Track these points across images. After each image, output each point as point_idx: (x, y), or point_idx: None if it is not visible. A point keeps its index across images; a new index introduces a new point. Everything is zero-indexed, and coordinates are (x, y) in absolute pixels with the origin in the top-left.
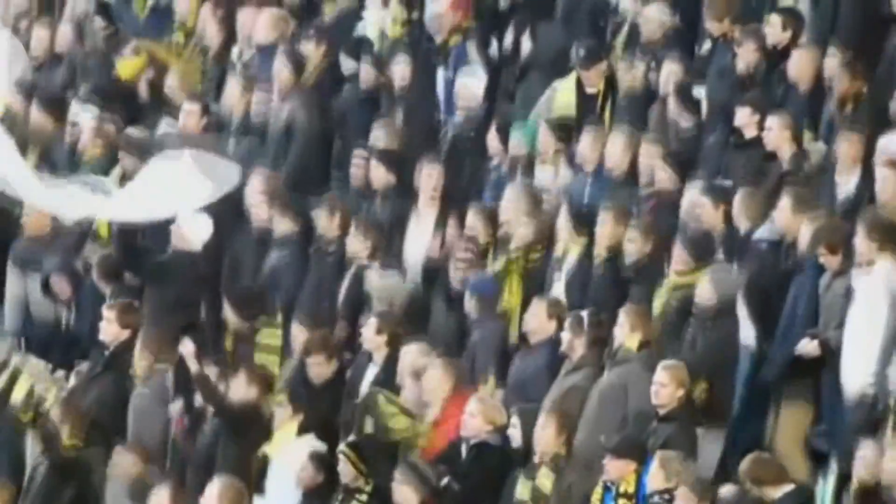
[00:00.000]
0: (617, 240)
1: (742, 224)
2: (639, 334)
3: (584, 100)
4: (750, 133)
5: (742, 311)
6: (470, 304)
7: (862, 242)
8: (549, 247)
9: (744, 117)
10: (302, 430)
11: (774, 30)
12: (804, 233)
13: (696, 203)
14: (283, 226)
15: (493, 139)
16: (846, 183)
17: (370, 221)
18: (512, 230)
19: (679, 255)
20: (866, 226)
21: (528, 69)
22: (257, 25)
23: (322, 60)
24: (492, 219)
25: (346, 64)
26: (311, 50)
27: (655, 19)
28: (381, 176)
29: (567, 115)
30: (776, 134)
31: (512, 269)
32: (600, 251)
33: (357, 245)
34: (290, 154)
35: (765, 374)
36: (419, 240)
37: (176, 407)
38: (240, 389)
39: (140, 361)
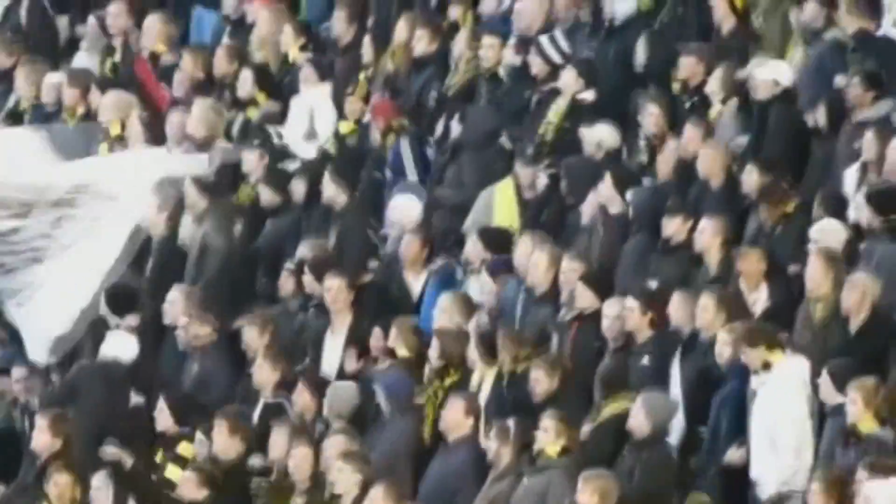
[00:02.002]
0: (515, 365)
1: (684, 325)
2: (562, 440)
3: (524, 206)
4: (678, 239)
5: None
6: (380, 402)
7: (757, 353)
8: (464, 367)
9: (673, 226)
10: None
11: (692, 141)
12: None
13: (623, 307)
14: (203, 332)
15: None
16: (758, 296)
17: (286, 347)
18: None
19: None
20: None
21: (457, 150)
22: (190, 119)
23: (265, 172)
24: (416, 333)
25: (265, 195)
26: (254, 160)
27: (594, 141)
28: (315, 287)
29: (508, 225)
30: (707, 238)
31: (428, 403)
32: (503, 379)
33: (264, 376)
34: (203, 281)
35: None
36: (332, 353)
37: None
38: (223, 443)
39: (56, 478)
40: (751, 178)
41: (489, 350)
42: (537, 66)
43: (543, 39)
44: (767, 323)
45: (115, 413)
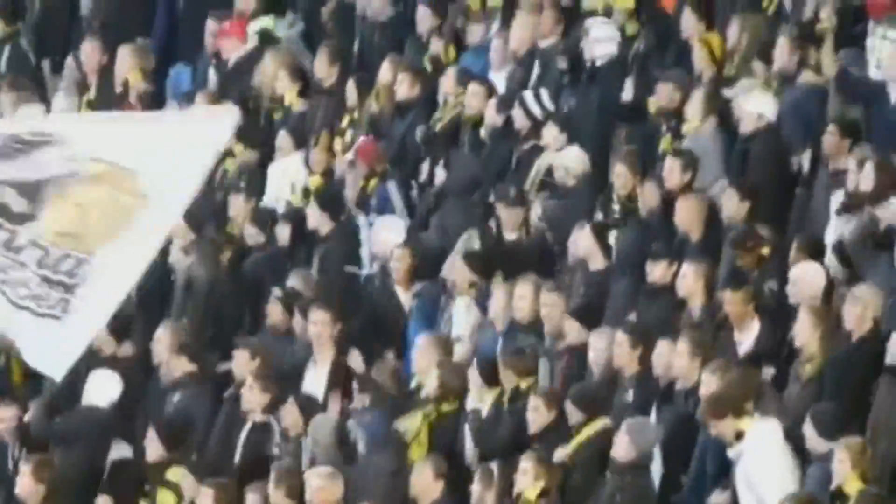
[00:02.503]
0: (519, 381)
1: (665, 374)
2: (541, 483)
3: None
4: (663, 283)
5: (655, 462)
6: (359, 444)
7: (726, 424)
8: (462, 399)
9: (659, 270)
10: None
11: (672, 174)
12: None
13: (611, 341)
14: (181, 367)
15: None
16: (747, 337)
17: (276, 372)
18: (424, 381)
19: (569, 410)
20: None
21: (442, 197)
22: None
23: (251, 214)
24: (395, 373)
25: (250, 234)
26: (240, 205)
27: (562, 167)
28: (298, 321)
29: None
30: (690, 283)
31: (423, 421)
32: (505, 395)
33: (253, 399)
34: (188, 314)
35: None
36: (313, 384)
37: None
38: None
39: None
40: (731, 203)
41: (491, 376)
42: (520, 121)
43: (527, 94)
44: (736, 381)
45: (101, 459)
